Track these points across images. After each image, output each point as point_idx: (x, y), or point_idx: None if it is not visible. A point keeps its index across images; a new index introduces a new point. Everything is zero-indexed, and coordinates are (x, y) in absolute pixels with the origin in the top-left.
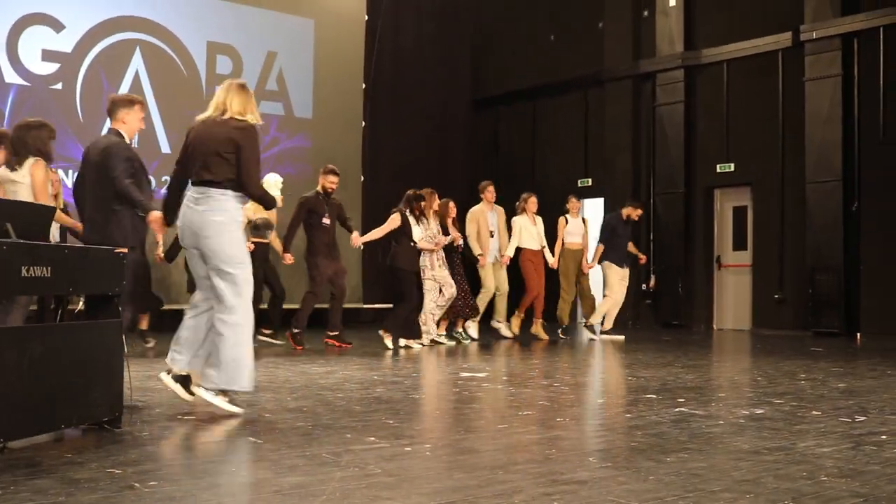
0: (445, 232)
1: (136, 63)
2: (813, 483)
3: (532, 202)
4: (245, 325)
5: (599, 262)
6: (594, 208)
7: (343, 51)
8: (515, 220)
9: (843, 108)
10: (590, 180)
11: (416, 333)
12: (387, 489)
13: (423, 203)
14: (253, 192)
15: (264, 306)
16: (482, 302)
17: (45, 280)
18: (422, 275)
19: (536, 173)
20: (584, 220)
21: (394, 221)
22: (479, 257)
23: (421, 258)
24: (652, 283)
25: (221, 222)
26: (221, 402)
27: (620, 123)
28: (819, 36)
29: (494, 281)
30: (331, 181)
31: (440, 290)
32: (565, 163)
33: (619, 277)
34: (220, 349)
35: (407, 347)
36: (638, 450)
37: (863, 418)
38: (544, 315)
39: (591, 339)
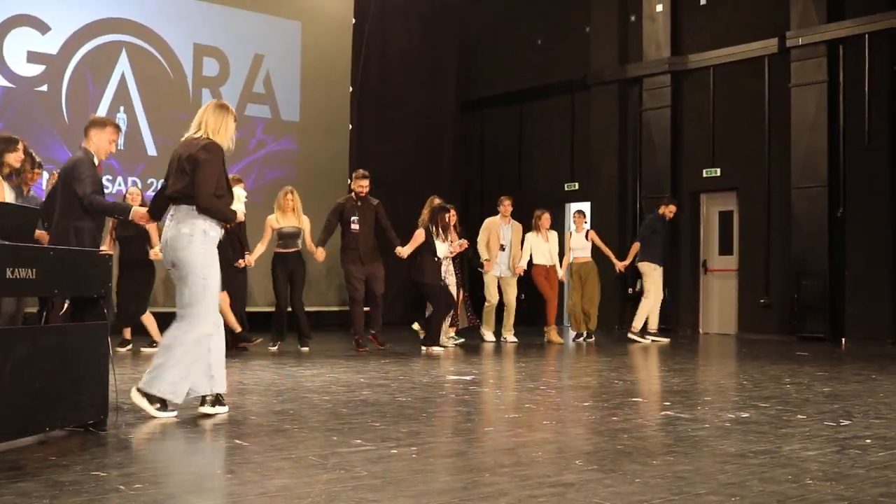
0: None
1: (123, 65)
2: (798, 486)
3: (545, 219)
4: (188, 336)
5: (636, 262)
6: None
7: (330, 53)
8: (528, 236)
9: (829, 114)
10: (576, 184)
11: (436, 340)
12: (372, 491)
13: (447, 216)
14: (200, 203)
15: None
16: (487, 313)
17: (29, 282)
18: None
19: (523, 177)
20: (588, 231)
21: (419, 237)
22: (484, 262)
23: None
24: (638, 287)
25: (187, 234)
26: (146, 405)
27: (607, 128)
28: (805, 42)
29: (499, 294)
30: (359, 185)
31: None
32: (552, 167)
33: (659, 276)
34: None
35: (429, 354)
36: (624, 453)
37: (847, 422)
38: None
39: (637, 342)
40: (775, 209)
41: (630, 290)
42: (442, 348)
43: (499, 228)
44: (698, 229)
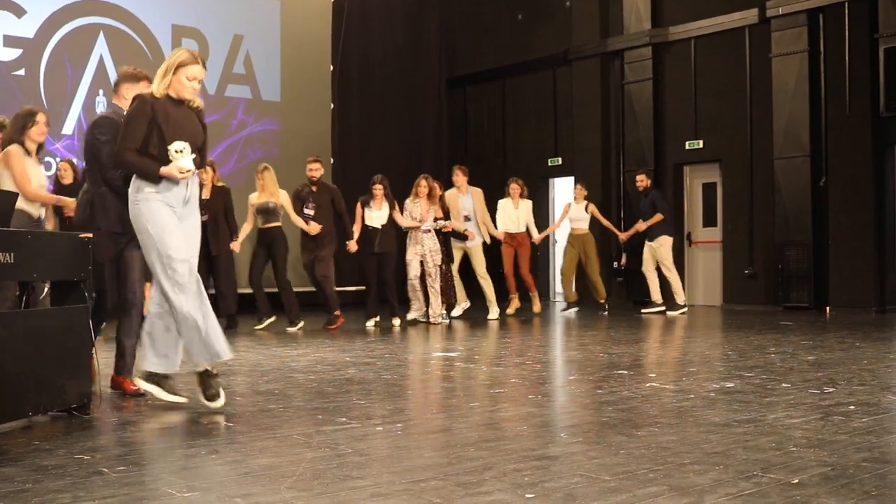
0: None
1: (101, 48)
2: (782, 454)
3: (514, 187)
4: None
5: (652, 238)
6: (565, 187)
7: (310, 32)
8: (500, 202)
9: (810, 83)
10: (560, 159)
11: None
12: (357, 468)
13: (375, 187)
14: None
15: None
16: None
17: (7, 266)
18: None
19: (507, 153)
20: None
21: (357, 212)
22: (467, 233)
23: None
24: (623, 261)
25: (132, 194)
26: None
27: (589, 102)
28: (785, 12)
29: (471, 265)
30: (310, 170)
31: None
32: (535, 142)
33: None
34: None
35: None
36: (609, 425)
37: (831, 390)
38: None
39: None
40: (758, 180)
41: (615, 265)
42: (373, 323)
43: (457, 200)
44: (682, 202)
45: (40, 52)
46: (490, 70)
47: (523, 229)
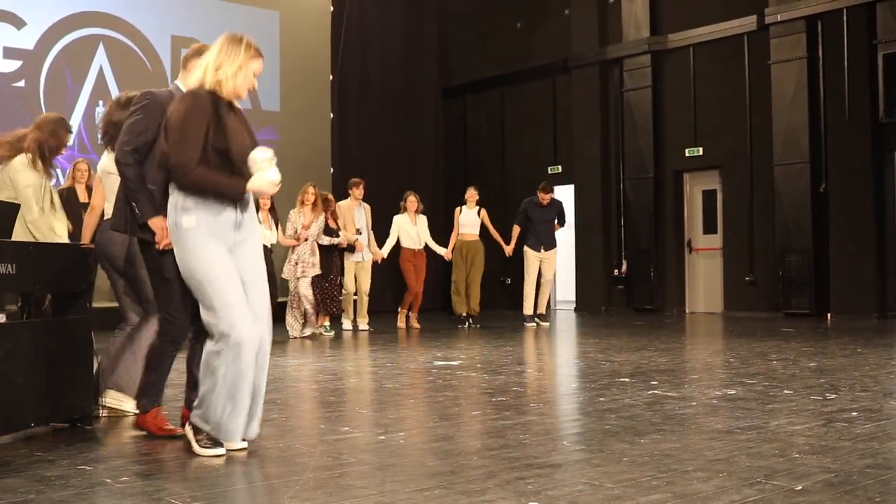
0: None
1: (100, 59)
2: (785, 460)
3: (411, 201)
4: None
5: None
6: (564, 195)
7: (309, 42)
8: (395, 219)
9: (809, 90)
10: (559, 167)
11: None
12: (360, 478)
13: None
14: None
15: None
16: (346, 301)
17: (9, 277)
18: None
19: (506, 161)
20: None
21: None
22: (355, 243)
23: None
24: (624, 268)
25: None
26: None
27: (588, 110)
28: (784, 18)
29: (355, 283)
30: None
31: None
32: (534, 150)
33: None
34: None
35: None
36: (611, 432)
37: (834, 396)
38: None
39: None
40: (758, 187)
41: (616, 272)
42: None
43: (352, 212)
44: (682, 209)
45: (40, 64)
46: (489, 78)
47: (425, 246)
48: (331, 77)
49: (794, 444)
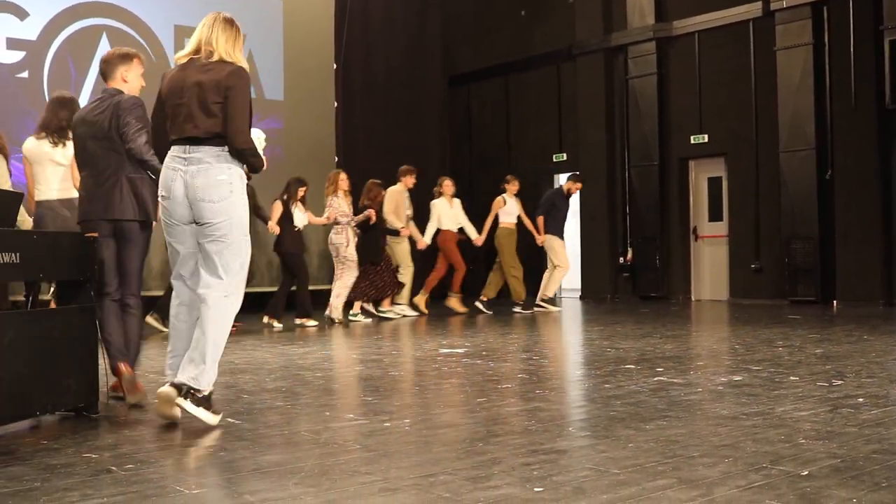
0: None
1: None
2: (791, 446)
3: (447, 185)
4: (232, 307)
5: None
6: None
7: (313, 31)
8: (434, 203)
9: (815, 76)
10: (564, 155)
11: (309, 312)
12: (366, 464)
13: (302, 188)
14: (240, 146)
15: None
16: (406, 279)
17: (12, 266)
18: (336, 253)
19: (511, 149)
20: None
21: (276, 209)
22: (401, 230)
23: (336, 237)
24: (629, 255)
25: (227, 181)
26: (203, 413)
27: (593, 97)
28: (789, 5)
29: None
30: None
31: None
32: (540, 138)
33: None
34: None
35: (302, 326)
36: (617, 419)
37: (840, 382)
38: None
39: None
40: (764, 174)
41: (621, 260)
42: (315, 323)
43: (403, 197)
44: (687, 196)
45: (43, 55)
46: (493, 67)
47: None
48: (334, 66)
49: (799, 430)
